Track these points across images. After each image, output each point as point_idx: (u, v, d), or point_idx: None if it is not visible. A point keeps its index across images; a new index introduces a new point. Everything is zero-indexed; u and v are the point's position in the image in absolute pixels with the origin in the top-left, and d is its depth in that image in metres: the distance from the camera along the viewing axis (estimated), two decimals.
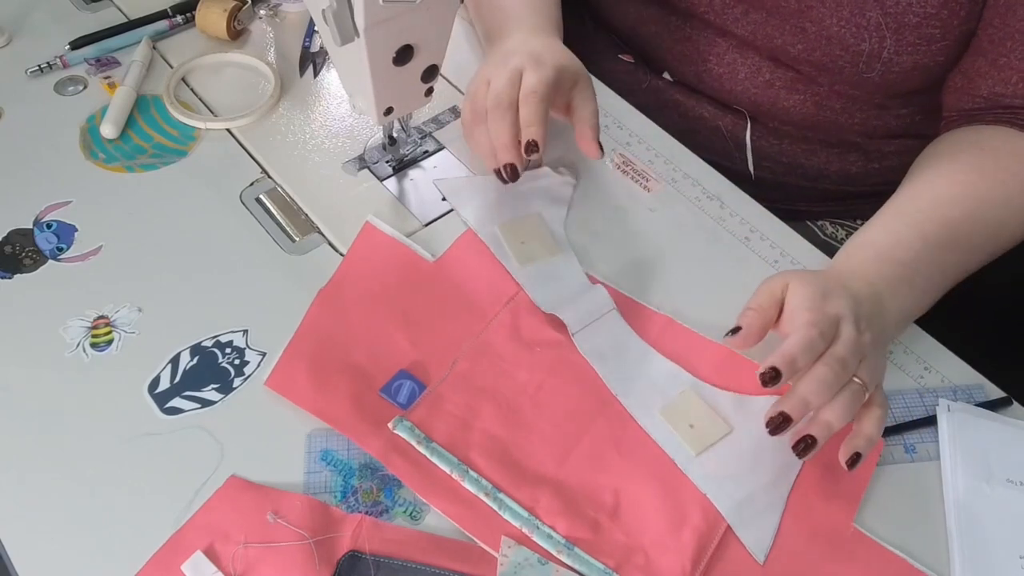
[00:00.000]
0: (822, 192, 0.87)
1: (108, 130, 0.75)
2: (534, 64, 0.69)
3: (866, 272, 0.62)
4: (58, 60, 0.82)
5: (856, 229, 0.89)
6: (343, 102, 0.80)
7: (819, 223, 0.90)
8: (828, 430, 0.55)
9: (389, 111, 0.67)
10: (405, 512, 0.55)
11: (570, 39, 0.78)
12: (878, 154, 0.84)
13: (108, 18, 0.87)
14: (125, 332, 0.63)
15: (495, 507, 0.55)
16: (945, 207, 0.66)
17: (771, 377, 0.54)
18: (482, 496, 0.56)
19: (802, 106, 0.80)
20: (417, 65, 0.64)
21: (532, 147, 0.66)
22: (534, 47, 0.71)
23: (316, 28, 0.84)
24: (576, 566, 0.53)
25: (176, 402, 0.60)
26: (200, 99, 0.80)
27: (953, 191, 0.67)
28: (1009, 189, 0.67)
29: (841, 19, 0.71)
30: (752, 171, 0.87)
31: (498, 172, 0.68)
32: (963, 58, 0.71)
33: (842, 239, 0.88)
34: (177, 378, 0.61)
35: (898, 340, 0.65)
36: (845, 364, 0.55)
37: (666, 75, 0.87)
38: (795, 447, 0.55)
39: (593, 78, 0.84)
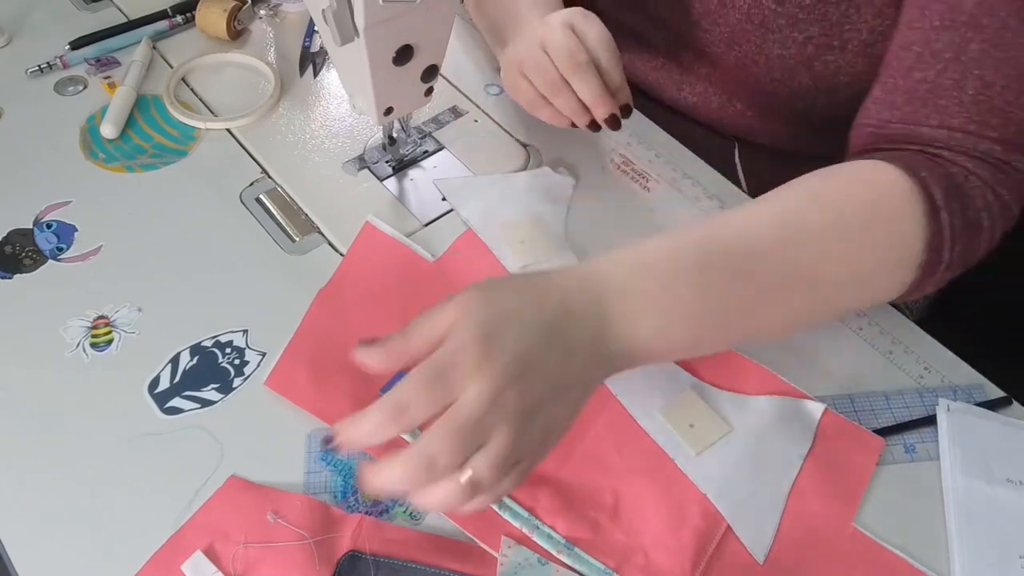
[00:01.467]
0: None
1: (108, 130, 0.75)
2: (581, 16, 0.67)
3: (605, 276, 0.50)
4: (58, 60, 0.82)
5: None
6: (343, 102, 0.80)
7: None
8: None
9: (389, 111, 0.67)
10: (405, 512, 0.55)
11: None
12: None
13: (108, 18, 0.87)
14: (125, 332, 0.63)
15: (495, 507, 0.55)
16: (751, 228, 0.52)
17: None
18: None
19: (777, 134, 0.81)
20: (417, 65, 0.64)
21: (627, 111, 0.67)
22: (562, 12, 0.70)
23: (316, 28, 0.84)
24: (576, 566, 0.53)
25: (176, 402, 0.60)
26: (200, 99, 0.80)
27: (768, 213, 0.53)
28: (840, 218, 0.53)
29: (774, 81, 0.72)
30: (746, 190, 0.86)
31: (593, 124, 0.68)
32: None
33: None
34: (177, 378, 0.61)
35: (899, 340, 0.65)
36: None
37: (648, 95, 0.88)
38: None
39: None
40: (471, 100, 0.81)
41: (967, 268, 0.57)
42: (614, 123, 0.67)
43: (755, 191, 0.83)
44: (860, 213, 0.53)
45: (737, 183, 0.86)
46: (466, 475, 0.44)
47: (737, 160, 0.85)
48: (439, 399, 0.44)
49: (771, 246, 0.51)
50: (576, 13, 0.68)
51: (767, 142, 0.83)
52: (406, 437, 0.55)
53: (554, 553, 0.53)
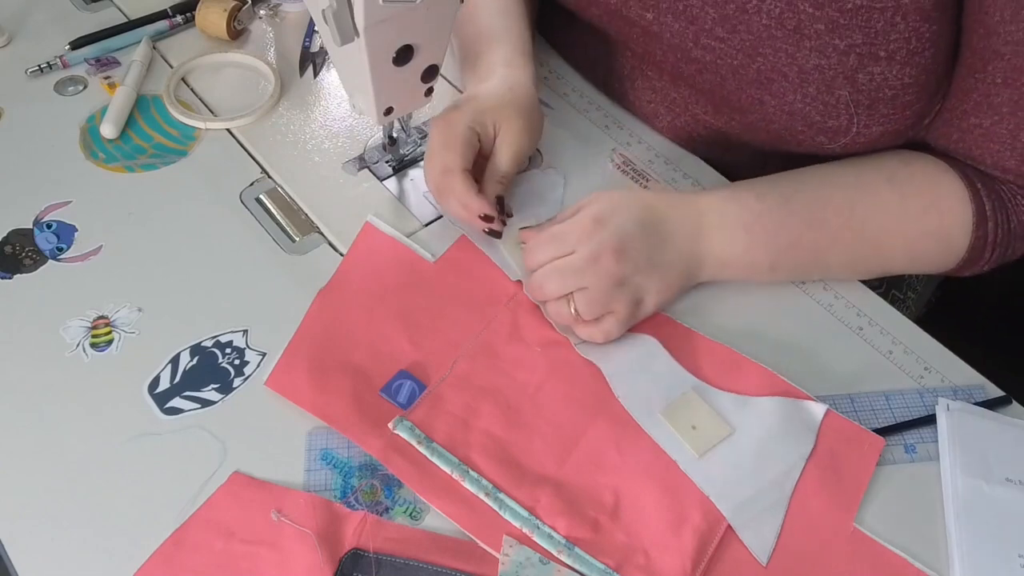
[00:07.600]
0: None
1: (108, 130, 0.75)
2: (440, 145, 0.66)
3: (706, 202, 0.65)
4: (58, 60, 0.82)
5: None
6: (343, 102, 0.80)
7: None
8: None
9: (389, 111, 0.67)
10: (405, 512, 0.55)
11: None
12: None
13: (108, 18, 0.87)
14: (125, 332, 0.63)
15: (495, 507, 0.55)
16: (827, 188, 0.66)
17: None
18: (482, 496, 0.56)
19: (750, 167, 0.75)
20: (417, 65, 0.64)
21: (499, 214, 0.66)
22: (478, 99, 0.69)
23: (316, 28, 0.84)
24: (577, 566, 0.53)
25: (176, 402, 0.60)
26: (200, 99, 0.80)
27: (846, 175, 0.66)
28: (904, 200, 0.65)
29: (806, 96, 0.64)
30: None
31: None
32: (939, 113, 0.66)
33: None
34: (177, 378, 0.61)
35: (899, 340, 0.65)
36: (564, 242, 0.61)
37: None
38: None
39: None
40: None
41: (1007, 262, 0.68)
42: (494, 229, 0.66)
43: None
44: (920, 201, 0.65)
45: None
46: (571, 303, 0.61)
47: None
48: (557, 252, 0.62)
49: (843, 206, 0.65)
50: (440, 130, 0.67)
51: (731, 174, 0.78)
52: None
53: (554, 553, 0.53)
